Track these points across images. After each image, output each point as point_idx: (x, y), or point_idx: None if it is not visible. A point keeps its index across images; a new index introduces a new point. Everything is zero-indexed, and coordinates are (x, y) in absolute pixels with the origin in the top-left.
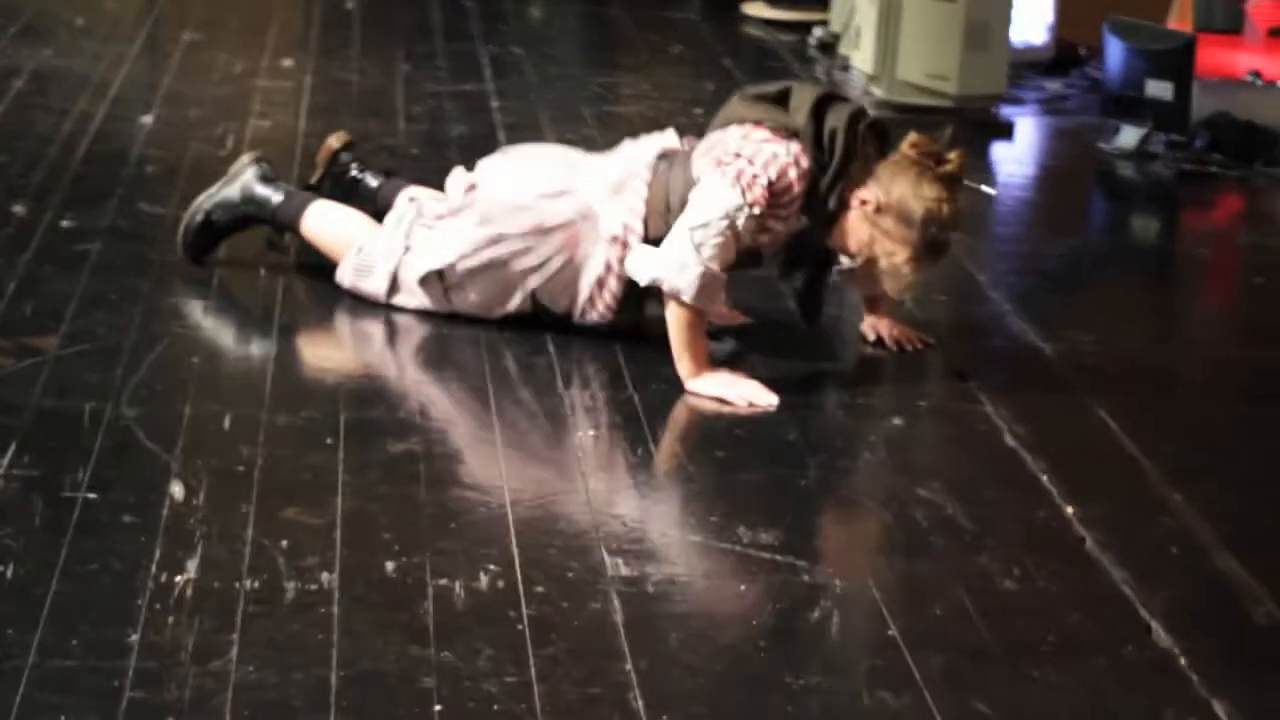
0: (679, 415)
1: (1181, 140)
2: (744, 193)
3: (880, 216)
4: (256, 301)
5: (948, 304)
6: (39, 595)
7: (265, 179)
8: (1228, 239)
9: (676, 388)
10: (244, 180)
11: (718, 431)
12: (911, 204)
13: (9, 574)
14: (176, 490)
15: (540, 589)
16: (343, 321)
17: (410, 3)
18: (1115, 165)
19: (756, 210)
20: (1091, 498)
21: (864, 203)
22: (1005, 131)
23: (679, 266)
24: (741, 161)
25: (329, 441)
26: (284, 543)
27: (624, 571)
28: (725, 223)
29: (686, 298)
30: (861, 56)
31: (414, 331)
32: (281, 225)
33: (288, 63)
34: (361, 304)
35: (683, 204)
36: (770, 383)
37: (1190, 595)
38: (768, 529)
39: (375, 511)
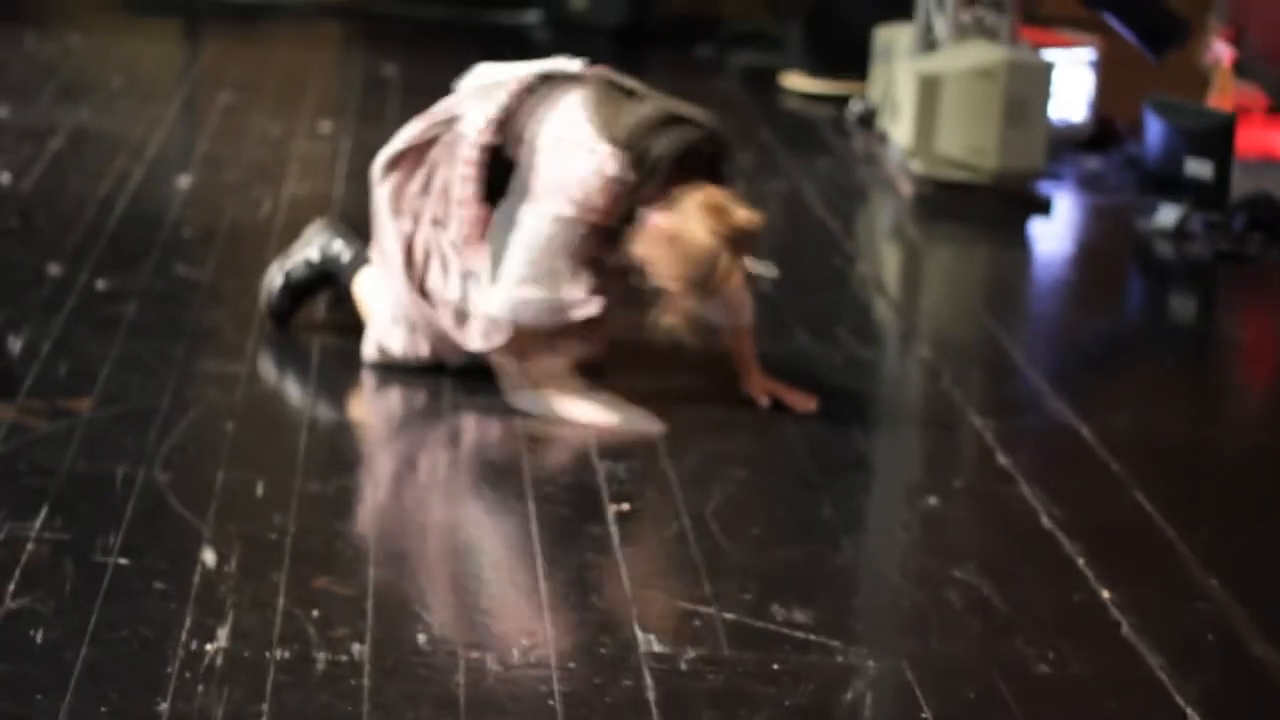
0: (713, 489)
1: (1220, 220)
2: (571, 207)
3: (664, 244)
4: (291, 367)
5: (983, 381)
6: (69, 660)
7: (341, 237)
8: (1266, 320)
9: (712, 460)
10: (321, 240)
11: (751, 507)
12: (694, 244)
13: (39, 638)
14: (208, 557)
15: (572, 664)
16: (376, 389)
17: (449, 68)
18: (1153, 244)
19: (578, 216)
20: (1128, 581)
21: (656, 225)
22: (1044, 208)
23: (518, 300)
24: (566, 177)
25: (358, 509)
26: (315, 612)
27: (657, 648)
28: (558, 241)
29: (550, 317)
30: (900, 130)
31: (447, 402)
32: (344, 286)
33: (325, 127)
34: (395, 371)
35: (527, 140)
36: (807, 459)
37: (1227, 683)
38: (802, 607)
39: (406, 582)
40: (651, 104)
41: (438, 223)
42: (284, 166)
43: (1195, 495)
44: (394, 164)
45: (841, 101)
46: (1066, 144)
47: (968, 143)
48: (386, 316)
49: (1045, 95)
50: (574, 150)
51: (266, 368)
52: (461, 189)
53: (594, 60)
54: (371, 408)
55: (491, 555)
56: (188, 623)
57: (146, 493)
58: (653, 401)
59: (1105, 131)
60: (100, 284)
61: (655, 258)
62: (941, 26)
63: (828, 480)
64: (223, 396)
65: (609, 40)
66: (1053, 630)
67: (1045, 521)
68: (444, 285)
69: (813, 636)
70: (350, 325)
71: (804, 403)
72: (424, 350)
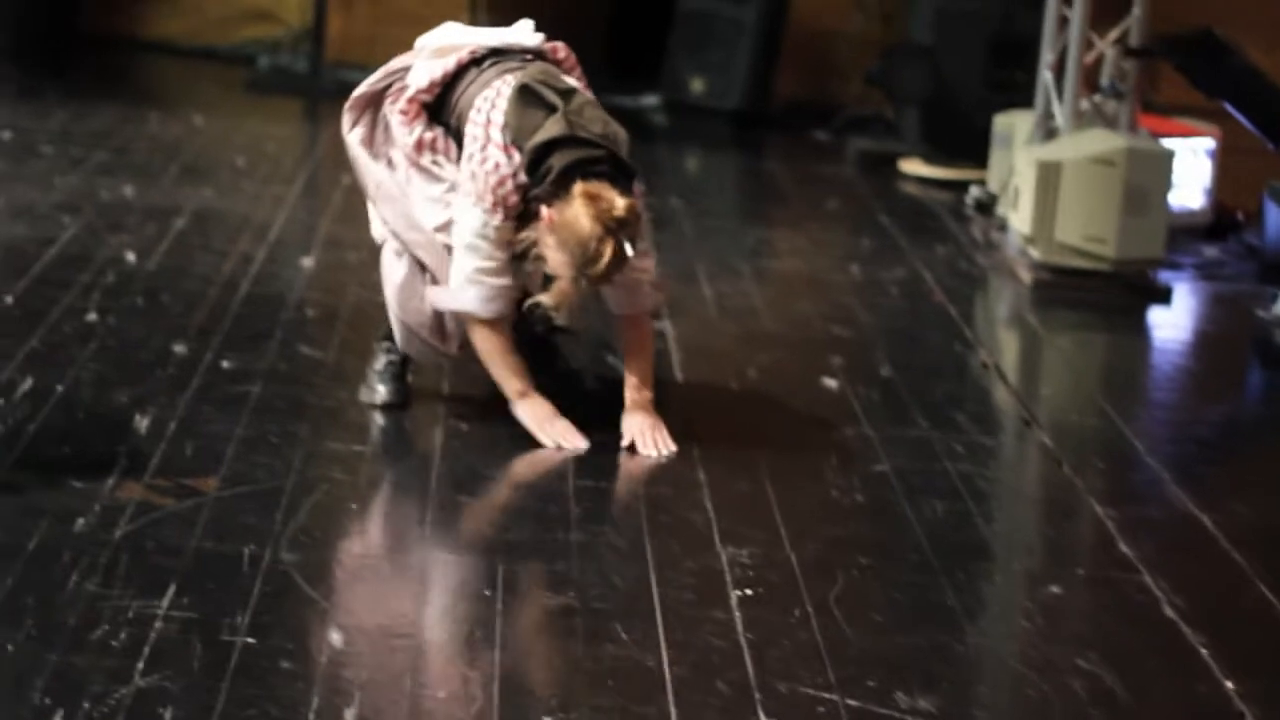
0: (837, 575)
1: None
2: (488, 209)
3: (552, 234)
4: (415, 447)
5: (1104, 469)
6: None
7: None
8: None
9: (834, 547)
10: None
11: (874, 593)
12: (574, 233)
13: (167, 716)
14: (335, 638)
15: None
16: (501, 469)
17: None
18: (1273, 333)
19: (498, 219)
20: (1252, 672)
21: (549, 219)
22: (1163, 297)
23: (460, 290)
24: (479, 181)
25: (487, 592)
26: (441, 693)
27: None
28: (479, 239)
29: (479, 314)
30: (1019, 217)
31: (573, 483)
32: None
33: None
34: (520, 451)
35: (459, 112)
36: (928, 545)
37: None
38: (925, 695)
39: (532, 665)
40: (559, 123)
41: (394, 165)
42: None
43: None
44: (356, 111)
45: (960, 187)
46: (1185, 232)
47: (1087, 230)
48: (391, 251)
49: (1165, 184)
50: (484, 146)
51: (390, 447)
52: (396, 133)
53: (711, 145)
54: (495, 486)
55: (617, 640)
56: (315, 703)
57: (273, 572)
58: (773, 489)
59: (1224, 220)
60: (225, 363)
61: (545, 244)
62: (1061, 114)
63: (949, 567)
64: (347, 476)
65: (727, 123)
66: None
67: (1168, 611)
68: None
69: None
70: (473, 406)
71: (661, 445)
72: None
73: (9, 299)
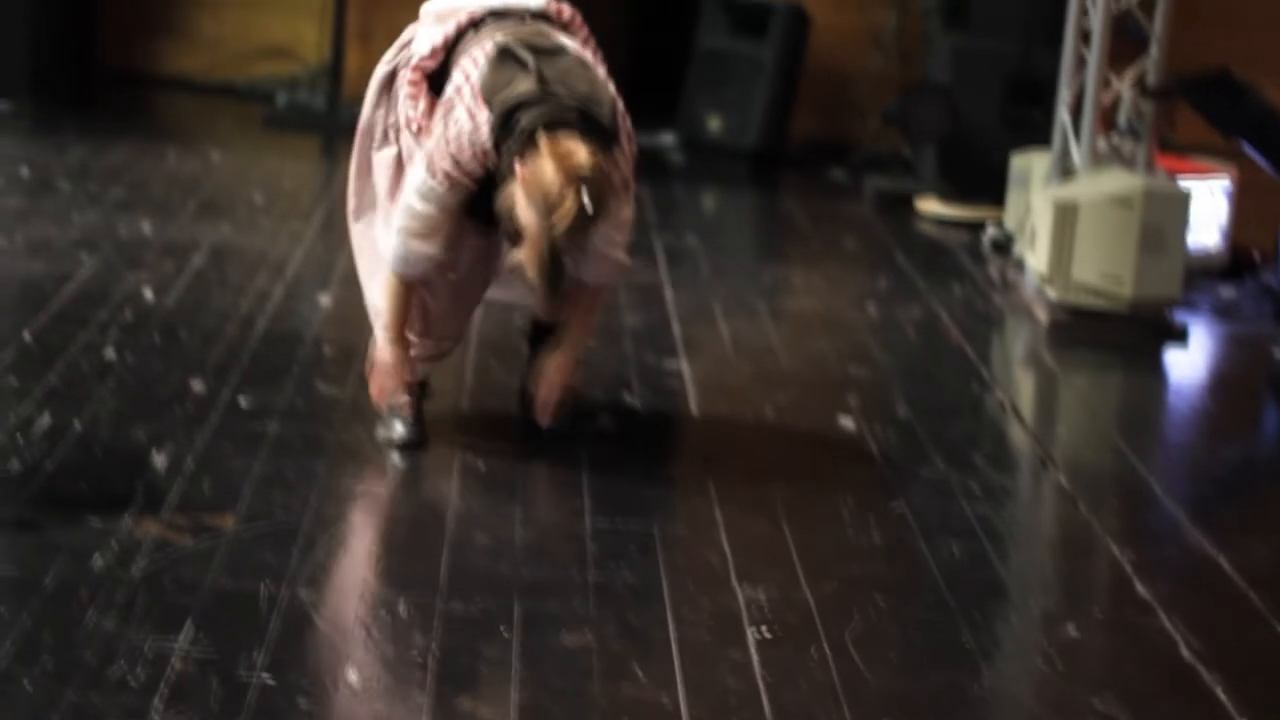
0: (854, 615)
1: None
2: (431, 174)
3: (522, 189)
4: (432, 485)
5: (1121, 509)
6: None
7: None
8: None
9: (851, 587)
10: None
11: (890, 634)
12: (538, 185)
13: None
14: (352, 676)
15: None
16: (517, 507)
17: None
18: None
19: (442, 187)
20: (1269, 714)
21: (520, 176)
22: (1180, 336)
23: (387, 238)
24: (437, 143)
25: (504, 631)
26: None
27: None
28: (417, 199)
29: (393, 267)
30: (1036, 257)
31: (590, 521)
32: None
33: None
34: (537, 489)
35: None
36: (945, 585)
37: None
38: None
39: (550, 705)
40: (529, 81)
41: (402, 150)
42: None
43: None
44: (376, 97)
45: (977, 227)
46: (1202, 272)
47: (1104, 270)
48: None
49: (1182, 223)
50: (451, 110)
51: (407, 485)
52: (404, 109)
53: (728, 184)
54: (514, 526)
55: (634, 679)
56: None
57: (290, 610)
58: (790, 528)
59: (1241, 260)
60: (243, 400)
61: (517, 203)
62: (1078, 154)
63: (966, 607)
64: (364, 514)
65: (744, 162)
66: None
67: (1185, 652)
68: None
69: None
70: (490, 439)
71: (553, 410)
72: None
73: (27, 336)
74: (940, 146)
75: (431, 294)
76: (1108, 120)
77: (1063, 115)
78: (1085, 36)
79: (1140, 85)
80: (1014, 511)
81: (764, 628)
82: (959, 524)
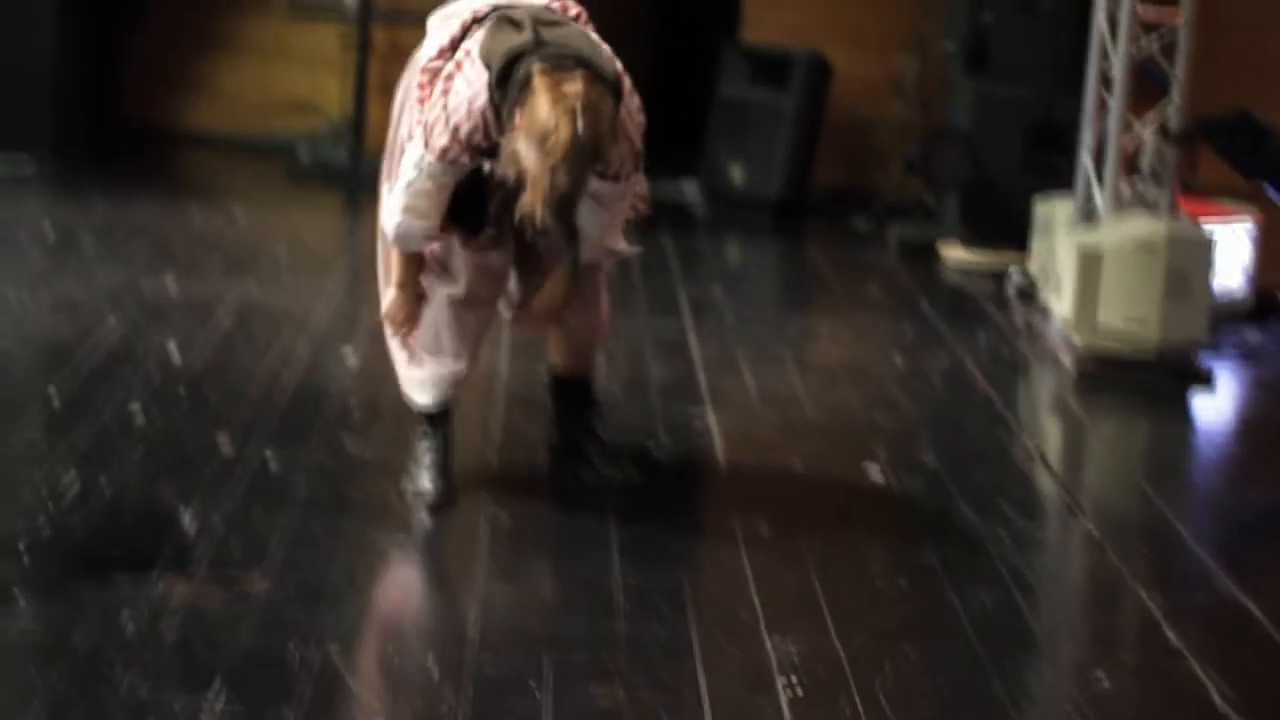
0: (884, 666)
1: None
2: (428, 148)
3: (521, 133)
4: (460, 539)
5: (1149, 555)
6: None
7: None
8: None
9: (881, 638)
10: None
11: (921, 685)
12: (534, 120)
13: None
14: None
15: None
16: (546, 560)
17: None
18: None
19: (438, 161)
20: None
21: (519, 122)
22: (1206, 380)
23: (390, 214)
24: (435, 114)
25: (534, 686)
26: None
27: None
28: (413, 171)
29: (390, 240)
30: (1061, 303)
31: (619, 574)
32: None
33: None
34: (565, 542)
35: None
36: (974, 635)
37: None
38: None
39: None
40: (526, 35)
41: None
42: None
43: None
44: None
45: (1001, 273)
46: (1226, 315)
47: (1129, 315)
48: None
49: (1207, 268)
50: (450, 77)
51: (435, 540)
52: (413, 113)
53: (751, 234)
54: (540, 578)
55: None
56: None
57: (320, 669)
58: (819, 579)
59: (1265, 303)
60: (270, 458)
61: (519, 148)
62: (1101, 199)
63: (996, 656)
64: (393, 570)
65: (767, 211)
66: None
67: (1217, 699)
68: None
69: None
70: (516, 492)
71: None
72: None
73: (54, 395)
74: (963, 193)
75: (437, 312)
76: (1130, 164)
77: (1085, 160)
78: (1106, 81)
79: (1162, 129)
80: (1043, 559)
81: (794, 680)
82: (988, 573)
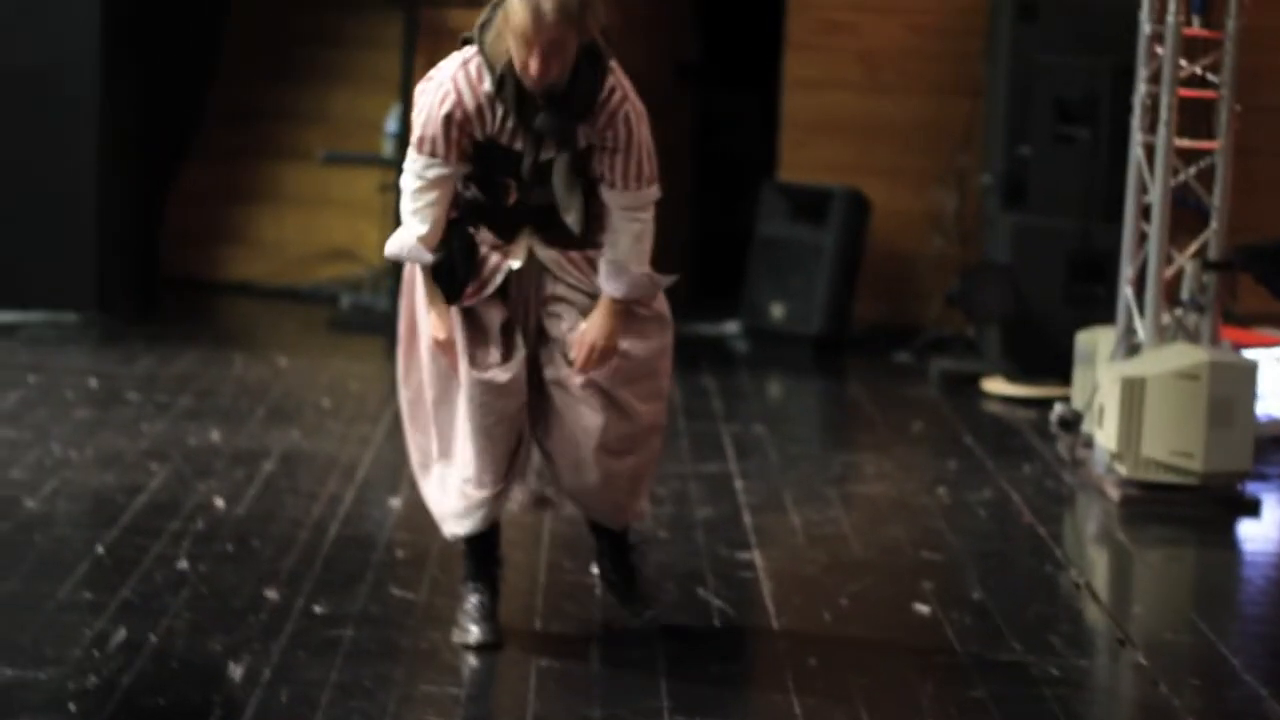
0: None
1: None
2: (414, 146)
3: (506, 34)
4: (509, 688)
5: (1201, 687)
6: None
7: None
8: None
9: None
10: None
11: None
12: (513, 18)
13: None
14: None
15: None
16: (595, 707)
17: None
18: None
19: (425, 156)
20: None
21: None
22: (1252, 509)
23: (396, 237)
24: (417, 119)
25: None
26: None
27: None
28: (410, 176)
29: (391, 252)
30: (1105, 434)
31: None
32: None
33: None
34: (614, 689)
35: None
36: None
37: None
38: None
39: None
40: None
41: None
42: None
43: None
44: None
45: (1044, 405)
46: (1271, 442)
47: (1174, 445)
48: None
49: (1250, 395)
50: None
51: (484, 688)
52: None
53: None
54: None
55: None
56: None
57: None
58: (869, 718)
59: None
60: (317, 608)
61: (505, 40)
62: (1143, 329)
63: None
64: (443, 719)
65: (808, 348)
66: None
67: None
68: None
69: None
70: (564, 639)
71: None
72: None
73: (100, 549)
74: (1004, 326)
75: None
76: (1170, 294)
77: (1126, 291)
78: (1145, 211)
79: (1202, 259)
80: (1094, 694)
81: None
82: (1039, 708)
